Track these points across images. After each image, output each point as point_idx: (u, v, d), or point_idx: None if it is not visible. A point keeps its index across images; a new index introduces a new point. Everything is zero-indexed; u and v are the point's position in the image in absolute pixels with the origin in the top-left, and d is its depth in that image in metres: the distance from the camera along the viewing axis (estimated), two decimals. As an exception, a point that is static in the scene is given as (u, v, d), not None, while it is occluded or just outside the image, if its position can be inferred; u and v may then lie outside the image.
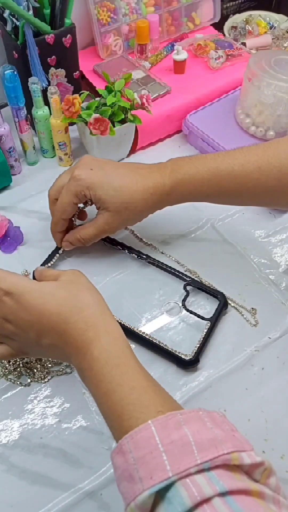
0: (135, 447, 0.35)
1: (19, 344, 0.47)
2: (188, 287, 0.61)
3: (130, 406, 0.38)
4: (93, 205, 0.61)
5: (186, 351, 0.56)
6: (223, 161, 0.56)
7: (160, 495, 0.33)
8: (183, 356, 0.56)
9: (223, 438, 0.35)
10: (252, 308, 0.62)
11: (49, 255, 0.64)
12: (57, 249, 0.65)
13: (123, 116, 0.70)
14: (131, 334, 0.57)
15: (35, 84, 0.68)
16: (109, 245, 0.66)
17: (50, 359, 0.56)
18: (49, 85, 0.71)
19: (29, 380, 0.55)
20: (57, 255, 0.64)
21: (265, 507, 0.32)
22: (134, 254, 0.65)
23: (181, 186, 0.57)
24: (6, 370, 0.55)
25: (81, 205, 0.62)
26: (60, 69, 0.75)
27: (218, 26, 0.95)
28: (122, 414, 0.38)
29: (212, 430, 0.35)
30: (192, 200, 0.59)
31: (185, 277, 0.63)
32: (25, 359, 0.56)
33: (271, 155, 0.55)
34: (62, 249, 0.64)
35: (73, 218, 0.63)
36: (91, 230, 0.60)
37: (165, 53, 0.87)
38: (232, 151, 0.57)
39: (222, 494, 0.32)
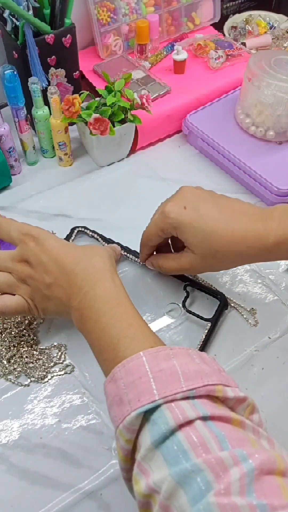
0: (126, 374, 0.38)
1: (31, 290, 0.50)
2: (188, 288, 0.61)
3: (127, 339, 0.41)
4: None
5: (186, 351, 0.56)
6: None
7: (146, 418, 0.35)
8: (183, 356, 0.56)
9: (209, 372, 0.37)
10: (252, 308, 0.62)
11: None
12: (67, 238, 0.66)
13: (123, 116, 0.70)
14: None
15: (35, 84, 0.68)
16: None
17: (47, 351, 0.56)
18: (49, 85, 0.71)
19: (29, 380, 0.55)
20: None
21: (244, 434, 0.34)
22: (132, 256, 0.65)
23: None
24: (6, 370, 0.55)
25: None
26: (60, 69, 0.75)
27: (218, 26, 0.95)
28: (117, 346, 0.41)
29: (200, 365, 0.38)
30: None
31: (184, 278, 0.63)
32: (25, 358, 0.56)
33: None
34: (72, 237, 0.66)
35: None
36: (173, 264, 0.56)
37: (165, 53, 0.87)
38: None
39: (204, 419, 0.34)
